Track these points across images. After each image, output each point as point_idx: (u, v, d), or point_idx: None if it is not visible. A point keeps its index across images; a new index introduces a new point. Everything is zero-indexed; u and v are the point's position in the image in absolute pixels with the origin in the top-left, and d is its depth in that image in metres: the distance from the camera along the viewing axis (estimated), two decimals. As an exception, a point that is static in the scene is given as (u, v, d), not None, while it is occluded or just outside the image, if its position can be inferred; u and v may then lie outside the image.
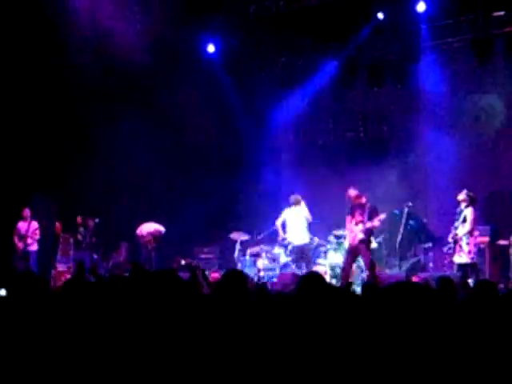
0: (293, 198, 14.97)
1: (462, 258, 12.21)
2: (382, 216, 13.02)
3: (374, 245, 15.20)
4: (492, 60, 15.16)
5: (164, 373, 3.06)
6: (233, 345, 3.56)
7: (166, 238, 16.63)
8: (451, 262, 12.96)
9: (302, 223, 14.89)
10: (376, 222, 12.99)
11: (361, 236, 12.96)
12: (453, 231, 12.49)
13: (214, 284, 7.98)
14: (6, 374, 3.40)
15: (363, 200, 13.20)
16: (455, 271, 12.29)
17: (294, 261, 14.86)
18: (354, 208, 13.21)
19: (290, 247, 15.03)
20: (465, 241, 12.21)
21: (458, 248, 12.30)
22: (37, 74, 15.69)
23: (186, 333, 3.20)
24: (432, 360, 2.88)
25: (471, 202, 12.44)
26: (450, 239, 12.57)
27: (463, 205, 12.49)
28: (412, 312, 2.94)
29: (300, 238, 14.88)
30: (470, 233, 12.24)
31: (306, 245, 14.98)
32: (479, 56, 15.07)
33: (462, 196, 12.56)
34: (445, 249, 13.04)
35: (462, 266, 12.22)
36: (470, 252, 12.15)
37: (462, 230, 12.29)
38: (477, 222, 12.58)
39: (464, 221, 12.33)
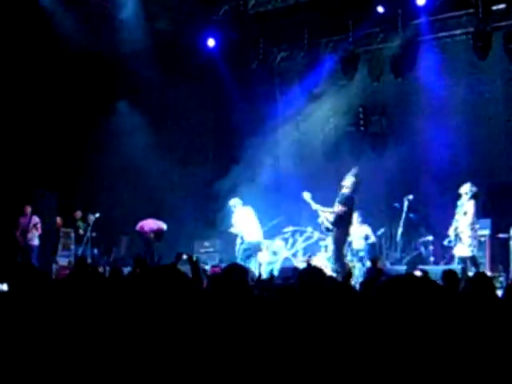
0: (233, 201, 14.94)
1: (462, 250, 12.21)
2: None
3: (373, 239, 15.25)
4: (491, 53, 15.15)
5: (165, 368, 3.08)
6: (233, 339, 3.57)
7: (167, 232, 16.65)
8: (452, 255, 12.98)
9: (256, 221, 14.82)
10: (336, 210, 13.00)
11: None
12: (453, 224, 12.49)
13: (212, 277, 8.00)
14: (7, 368, 3.42)
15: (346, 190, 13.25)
16: (456, 264, 12.32)
17: (247, 257, 14.55)
18: None
19: (245, 245, 14.72)
20: (466, 234, 12.21)
21: (458, 241, 12.31)
22: (36, 71, 15.70)
23: (187, 327, 3.22)
24: (430, 351, 2.89)
25: (473, 195, 12.43)
26: (450, 232, 12.57)
27: (465, 198, 12.47)
28: (413, 305, 2.95)
29: (259, 234, 14.82)
30: (471, 226, 12.24)
31: (260, 242, 14.96)
32: (478, 49, 15.06)
33: (464, 189, 12.53)
34: (445, 242, 13.05)
35: (462, 259, 12.24)
36: (470, 245, 12.17)
37: (463, 223, 12.28)
38: (477, 215, 12.60)
39: (465, 214, 12.33)
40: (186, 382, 3.08)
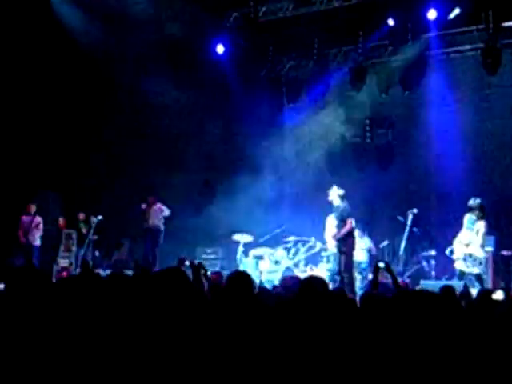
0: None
1: (469, 267, 12.19)
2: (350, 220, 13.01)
3: (374, 250, 15.21)
4: (500, 70, 15.13)
5: (167, 372, 3.04)
6: (236, 345, 3.54)
7: (169, 238, 16.59)
8: (453, 270, 12.92)
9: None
10: (348, 227, 12.98)
11: (334, 243, 13.21)
12: (460, 236, 12.45)
13: (216, 284, 7.98)
14: (5, 369, 3.38)
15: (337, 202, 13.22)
16: (457, 280, 12.26)
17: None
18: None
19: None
20: (478, 253, 12.23)
21: (467, 257, 12.28)
22: (42, 73, 15.74)
23: (190, 332, 3.19)
24: (431, 366, 2.86)
25: (482, 212, 12.43)
26: (455, 245, 12.54)
27: (475, 215, 12.42)
28: (415, 319, 2.92)
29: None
30: (482, 244, 12.28)
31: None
32: (488, 65, 15.03)
33: (474, 203, 12.49)
34: (447, 251, 13.01)
35: (466, 275, 12.23)
36: (480, 263, 12.19)
37: (475, 241, 12.25)
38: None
39: (477, 233, 12.32)
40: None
